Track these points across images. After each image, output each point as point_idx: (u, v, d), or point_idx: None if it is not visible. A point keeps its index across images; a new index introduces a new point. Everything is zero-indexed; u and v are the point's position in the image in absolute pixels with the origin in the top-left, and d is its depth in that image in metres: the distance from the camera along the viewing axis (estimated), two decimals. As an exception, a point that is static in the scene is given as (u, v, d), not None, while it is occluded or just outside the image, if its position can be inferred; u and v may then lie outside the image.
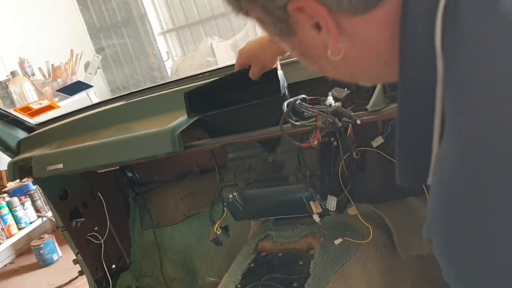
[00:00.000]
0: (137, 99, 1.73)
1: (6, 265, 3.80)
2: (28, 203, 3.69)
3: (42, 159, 1.65)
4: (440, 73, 0.50)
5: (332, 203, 1.55)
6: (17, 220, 3.60)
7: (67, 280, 3.13)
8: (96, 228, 1.99)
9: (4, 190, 3.77)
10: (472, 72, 0.47)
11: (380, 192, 1.72)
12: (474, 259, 0.46)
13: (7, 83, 3.91)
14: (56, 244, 3.63)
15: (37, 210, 3.76)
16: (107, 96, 4.68)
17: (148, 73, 5.33)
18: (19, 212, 3.61)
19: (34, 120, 1.94)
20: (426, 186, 0.55)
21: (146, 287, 2.18)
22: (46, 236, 3.66)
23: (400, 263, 1.67)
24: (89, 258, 1.96)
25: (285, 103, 1.16)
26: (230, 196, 1.73)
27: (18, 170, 1.72)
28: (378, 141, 1.56)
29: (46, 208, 3.71)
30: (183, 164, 2.10)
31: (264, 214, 1.84)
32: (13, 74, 3.96)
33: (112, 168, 1.84)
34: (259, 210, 1.77)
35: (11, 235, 3.55)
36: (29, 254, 3.77)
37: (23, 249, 3.93)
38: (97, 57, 4.18)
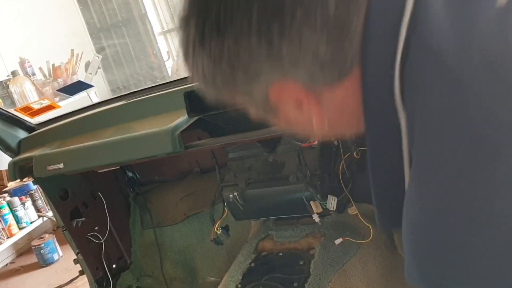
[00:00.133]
0: (138, 99, 1.73)
1: (6, 264, 3.80)
2: (28, 202, 3.69)
3: (42, 159, 1.65)
4: (404, 124, 0.53)
5: (332, 203, 1.55)
6: (17, 220, 3.60)
7: (68, 280, 3.13)
8: (96, 228, 1.99)
9: (4, 190, 3.77)
10: (426, 121, 0.50)
11: (380, 192, 1.72)
12: None
13: (7, 83, 3.91)
14: (57, 244, 3.63)
15: (37, 210, 3.76)
16: (108, 96, 4.68)
17: (149, 73, 5.32)
18: (20, 212, 3.61)
19: (34, 120, 1.94)
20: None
21: (147, 287, 2.18)
22: (47, 236, 3.66)
23: (401, 263, 1.66)
24: (89, 258, 1.96)
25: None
26: (231, 196, 1.73)
27: (19, 170, 1.72)
28: (379, 141, 1.55)
29: (47, 207, 3.71)
30: (183, 164, 2.10)
31: (264, 214, 1.84)
32: (13, 74, 3.96)
33: (113, 168, 1.84)
34: (260, 210, 1.77)
35: (11, 235, 3.55)
36: (30, 254, 3.77)
37: (23, 248, 3.93)
38: (98, 57, 4.18)
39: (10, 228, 3.54)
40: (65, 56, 4.32)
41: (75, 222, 1.92)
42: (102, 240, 1.99)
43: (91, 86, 2.70)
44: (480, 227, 0.45)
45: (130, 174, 2.18)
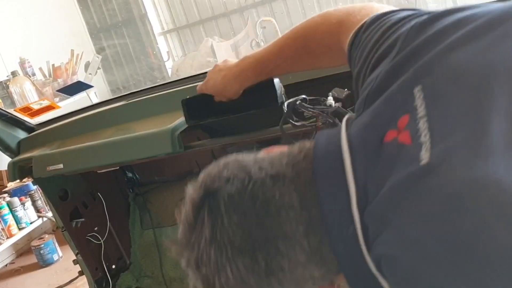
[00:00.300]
0: (137, 99, 1.73)
1: (6, 265, 3.80)
2: (28, 203, 3.69)
3: (42, 159, 1.64)
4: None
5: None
6: (17, 220, 3.60)
7: (67, 280, 3.12)
8: (96, 229, 1.99)
9: (4, 190, 3.77)
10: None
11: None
12: None
13: (7, 83, 3.92)
14: (57, 244, 3.63)
15: (37, 210, 3.76)
16: (108, 96, 4.69)
17: (149, 73, 5.33)
18: (20, 212, 3.61)
19: (34, 120, 1.94)
20: None
21: (146, 288, 2.18)
22: (47, 236, 3.66)
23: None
24: (89, 258, 1.96)
25: (286, 103, 1.16)
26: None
27: (18, 170, 1.72)
28: (379, 141, 1.55)
29: (47, 208, 3.71)
30: (183, 165, 2.10)
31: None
32: (13, 74, 3.97)
33: (112, 168, 1.84)
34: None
35: (11, 235, 3.55)
36: (29, 254, 3.77)
37: (23, 249, 3.93)
38: (98, 57, 4.18)
39: (10, 228, 3.54)
40: (65, 56, 4.33)
41: (74, 222, 1.92)
42: (102, 241, 1.99)
43: (91, 86, 2.70)
44: None
45: (129, 174, 2.18)
